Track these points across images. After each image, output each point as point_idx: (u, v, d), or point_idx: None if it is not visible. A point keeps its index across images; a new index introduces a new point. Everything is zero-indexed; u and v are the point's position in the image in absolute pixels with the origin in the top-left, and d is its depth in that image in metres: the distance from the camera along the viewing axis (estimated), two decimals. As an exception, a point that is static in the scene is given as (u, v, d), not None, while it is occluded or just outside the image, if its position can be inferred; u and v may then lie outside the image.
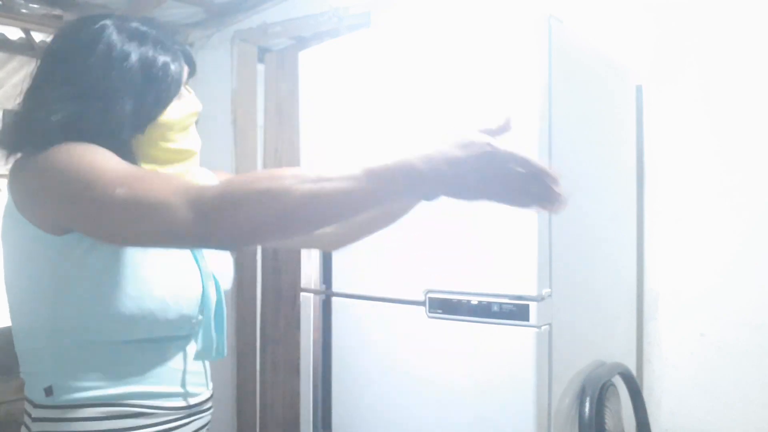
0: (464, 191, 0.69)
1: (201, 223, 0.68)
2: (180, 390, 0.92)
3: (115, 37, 0.86)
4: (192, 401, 0.94)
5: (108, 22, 0.88)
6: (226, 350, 0.96)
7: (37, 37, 3.22)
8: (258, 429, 2.69)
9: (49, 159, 0.78)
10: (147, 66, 0.87)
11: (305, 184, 0.67)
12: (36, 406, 0.86)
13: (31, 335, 0.88)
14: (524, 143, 1.25)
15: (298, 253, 1.70)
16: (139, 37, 0.88)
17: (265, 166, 2.65)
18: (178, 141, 0.92)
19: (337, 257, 1.57)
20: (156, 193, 0.69)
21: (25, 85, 0.88)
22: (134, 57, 0.86)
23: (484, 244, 1.29)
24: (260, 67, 2.71)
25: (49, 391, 0.85)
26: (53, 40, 0.89)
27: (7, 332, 0.97)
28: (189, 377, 0.94)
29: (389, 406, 1.43)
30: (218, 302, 0.95)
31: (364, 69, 1.51)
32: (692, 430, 1.67)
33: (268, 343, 2.63)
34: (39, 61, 0.88)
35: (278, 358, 2.60)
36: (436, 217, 1.35)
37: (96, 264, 0.83)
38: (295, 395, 2.34)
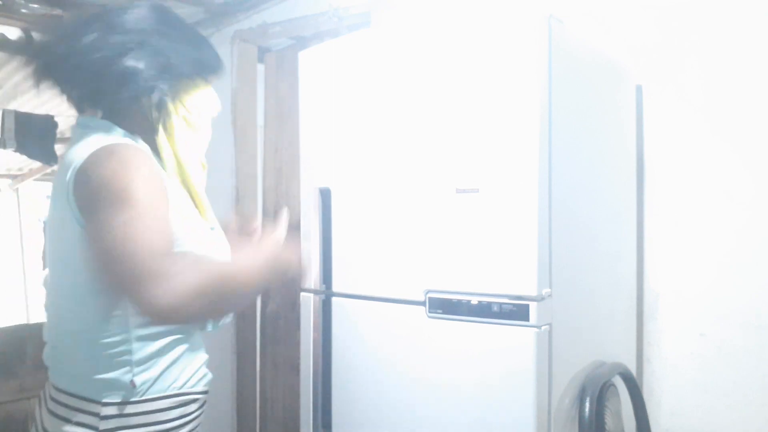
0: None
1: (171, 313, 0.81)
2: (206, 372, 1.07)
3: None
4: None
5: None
6: None
7: (37, 37, 3.21)
8: (258, 429, 2.69)
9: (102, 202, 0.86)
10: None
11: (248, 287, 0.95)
12: (106, 405, 0.91)
13: (105, 335, 0.92)
14: (524, 143, 1.25)
15: (298, 253, 1.70)
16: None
17: (265, 166, 2.64)
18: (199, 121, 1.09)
19: (337, 257, 1.57)
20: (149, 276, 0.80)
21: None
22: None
23: (484, 244, 1.29)
24: (260, 67, 2.71)
25: (132, 391, 0.92)
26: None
27: (8, 333, 0.97)
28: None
29: (389, 406, 1.43)
30: None
31: (364, 69, 1.51)
32: (692, 430, 1.67)
33: (268, 343, 2.63)
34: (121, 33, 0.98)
35: (278, 358, 2.60)
36: (435, 216, 1.36)
37: None
38: (295, 395, 2.34)
